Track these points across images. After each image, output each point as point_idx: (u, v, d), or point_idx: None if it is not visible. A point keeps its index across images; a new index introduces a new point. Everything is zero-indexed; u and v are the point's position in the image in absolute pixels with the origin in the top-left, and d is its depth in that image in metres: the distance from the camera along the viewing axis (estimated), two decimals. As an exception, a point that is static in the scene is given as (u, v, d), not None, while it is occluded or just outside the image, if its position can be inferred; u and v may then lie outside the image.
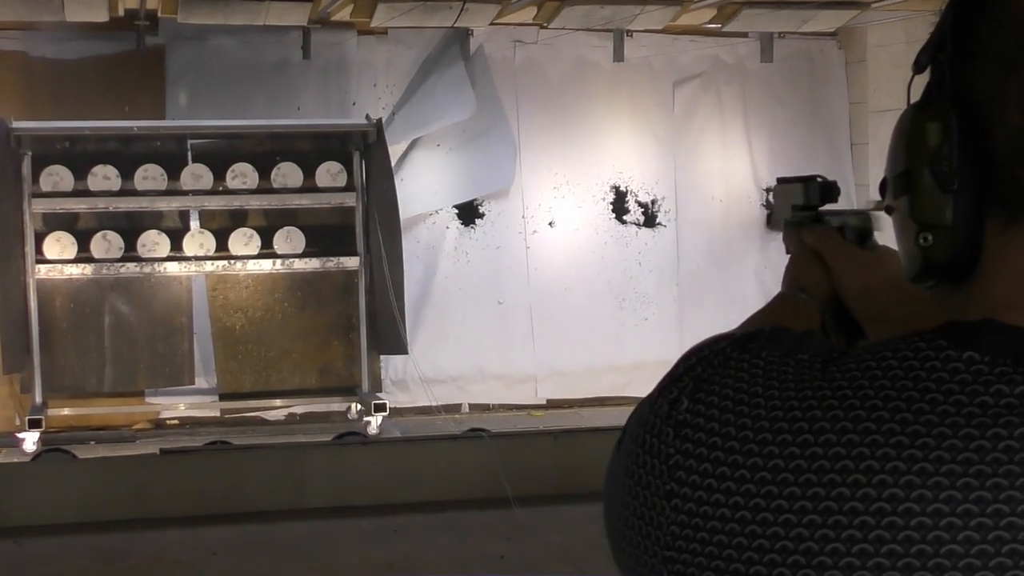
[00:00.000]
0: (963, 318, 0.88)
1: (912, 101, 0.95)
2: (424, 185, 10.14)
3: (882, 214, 1.52)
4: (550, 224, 10.53)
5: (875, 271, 1.44)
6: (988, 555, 0.79)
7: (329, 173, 9.41)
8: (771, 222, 1.72)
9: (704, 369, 0.93)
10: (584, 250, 10.55)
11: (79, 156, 9.13)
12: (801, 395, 0.87)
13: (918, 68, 0.95)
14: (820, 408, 0.86)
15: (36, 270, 8.96)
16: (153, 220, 9.31)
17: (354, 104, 10.09)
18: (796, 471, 0.84)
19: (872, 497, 0.81)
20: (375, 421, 9.15)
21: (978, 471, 0.80)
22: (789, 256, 1.56)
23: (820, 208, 1.55)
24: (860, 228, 1.51)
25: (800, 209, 1.57)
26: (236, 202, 9.33)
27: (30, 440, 8.73)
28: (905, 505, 0.80)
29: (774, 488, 0.84)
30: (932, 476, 0.80)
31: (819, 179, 1.57)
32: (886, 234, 1.52)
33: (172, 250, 9.18)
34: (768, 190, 10.88)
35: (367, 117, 9.45)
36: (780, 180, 1.65)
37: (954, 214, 0.89)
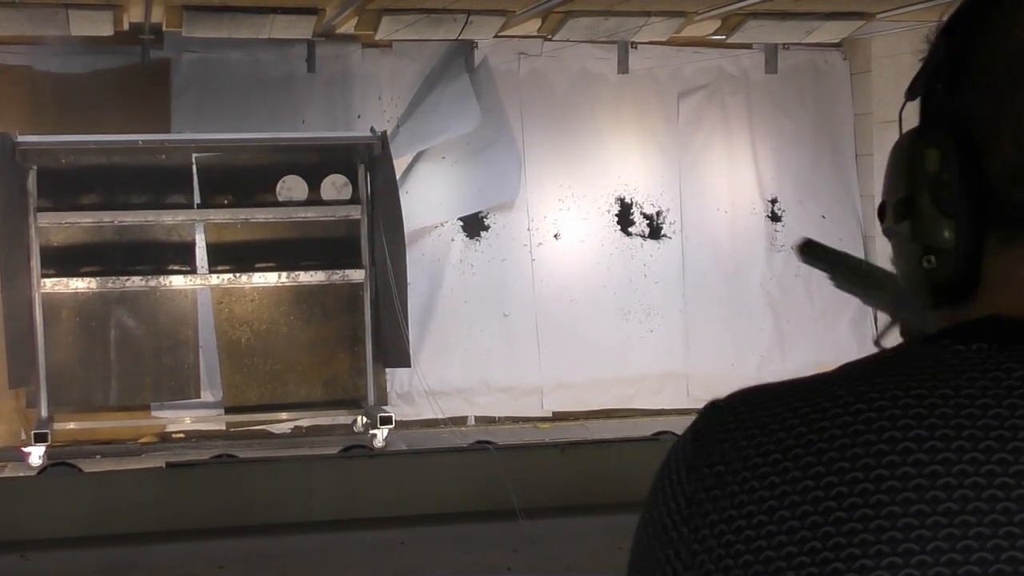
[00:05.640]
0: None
1: (902, 125, 0.99)
2: (429, 197, 10.14)
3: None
4: (555, 236, 10.52)
5: None
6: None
7: (334, 186, 9.41)
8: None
9: None
10: (589, 262, 10.53)
11: (84, 170, 9.14)
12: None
13: (912, 95, 0.99)
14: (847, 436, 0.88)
15: (42, 284, 8.97)
16: (158, 233, 9.34)
17: (359, 117, 10.10)
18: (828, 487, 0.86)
19: (912, 500, 0.83)
20: (381, 434, 9.14)
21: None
22: None
23: None
24: None
25: None
26: (242, 215, 9.35)
27: (36, 454, 8.73)
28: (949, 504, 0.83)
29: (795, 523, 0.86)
30: (956, 464, 0.83)
31: None
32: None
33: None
34: (773, 200, 10.87)
35: (372, 130, 9.46)
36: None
37: (956, 237, 0.91)
